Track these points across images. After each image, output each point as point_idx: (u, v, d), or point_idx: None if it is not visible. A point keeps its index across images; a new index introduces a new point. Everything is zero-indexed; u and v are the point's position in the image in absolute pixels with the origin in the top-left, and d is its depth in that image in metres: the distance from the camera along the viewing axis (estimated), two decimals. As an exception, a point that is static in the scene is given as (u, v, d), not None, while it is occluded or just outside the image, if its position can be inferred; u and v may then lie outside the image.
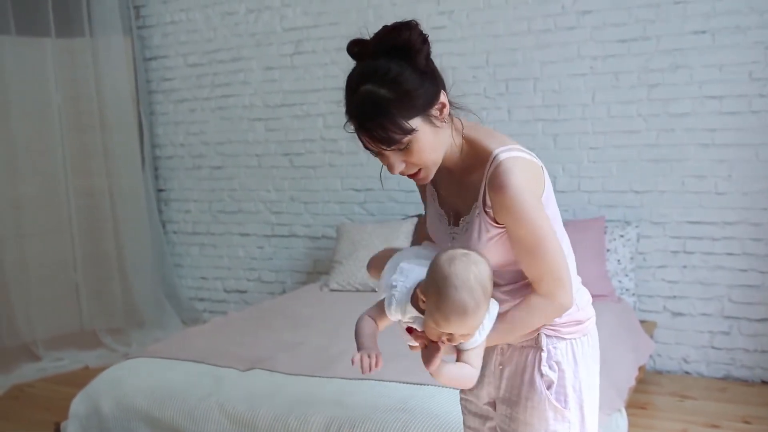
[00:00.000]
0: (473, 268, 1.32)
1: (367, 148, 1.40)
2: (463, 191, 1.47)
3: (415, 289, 1.39)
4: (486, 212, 1.41)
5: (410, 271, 1.43)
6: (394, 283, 1.42)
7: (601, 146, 3.86)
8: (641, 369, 3.39)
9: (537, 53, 3.93)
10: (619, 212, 3.85)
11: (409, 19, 1.37)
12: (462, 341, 1.37)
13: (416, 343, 1.41)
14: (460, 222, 1.48)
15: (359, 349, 1.42)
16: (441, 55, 4.07)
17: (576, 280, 1.58)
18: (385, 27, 1.36)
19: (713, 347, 3.75)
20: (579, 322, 1.55)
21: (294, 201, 4.75)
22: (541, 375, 1.50)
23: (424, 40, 1.36)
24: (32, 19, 4.60)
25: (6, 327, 4.47)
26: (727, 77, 3.56)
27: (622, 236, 3.72)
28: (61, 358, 4.45)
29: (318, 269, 4.70)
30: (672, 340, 3.82)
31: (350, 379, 2.49)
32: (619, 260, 3.70)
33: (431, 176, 1.44)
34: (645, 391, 3.56)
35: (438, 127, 1.39)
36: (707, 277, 3.71)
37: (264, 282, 4.93)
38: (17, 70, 4.55)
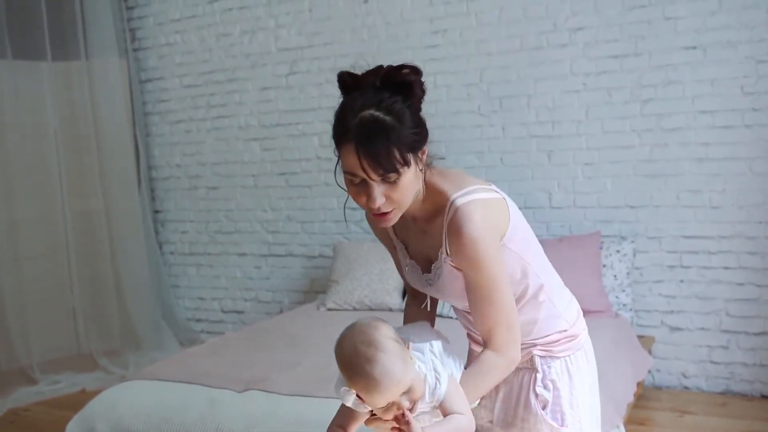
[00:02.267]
0: (348, 336, 1.30)
1: (349, 174, 1.34)
2: (429, 237, 1.46)
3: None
4: (450, 261, 1.42)
5: None
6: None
7: (595, 162, 3.87)
8: (640, 385, 3.38)
9: (530, 70, 3.95)
10: (614, 227, 3.86)
11: (411, 64, 1.36)
12: (413, 401, 1.31)
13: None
14: (432, 268, 1.48)
15: None
16: (435, 74, 4.10)
17: (565, 293, 1.59)
18: (390, 66, 1.35)
19: (712, 362, 3.73)
20: (571, 339, 1.55)
21: (290, 220, 4.75)
22: (536, 395, 1.50)
23: (423, 91, 1.37)
24: (28, 43, 4.62)
25: (2, 350, 4.45)
26: (719, 92, 3.58)
27: (618, 251, 3.72)
28: (58, 381, 4.43)
29: (315, 288, 4.69)
30: (670, 355, 3.81)
31: (347, 398, 2.47)
32: (615, 275, 3.69)
33: (396, 219, 1.41)
34: (644, 407, 3.54)
35: (419, 170, 1.38)
36: (704, 291, 3.71)
37: (261, 302, 4.92)
38: (14, 93, 4.56)
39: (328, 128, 4.80)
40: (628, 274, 3.72)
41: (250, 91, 4.76)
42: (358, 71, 1.36)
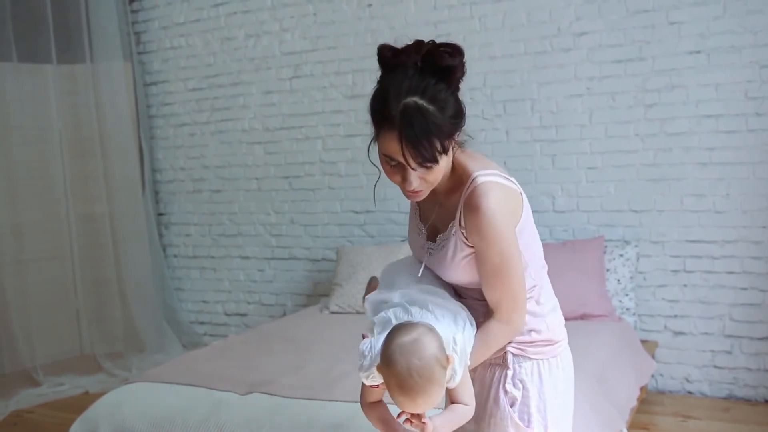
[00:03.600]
0: (414, 361, 1.32)
1: (387, 157, 1.39)
2: (443, 210, 1.51)
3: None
4: (461, 232, 1.46)
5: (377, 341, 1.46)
6: (365, 352, 1.45)
7: (599, 166, 3.87)
8: (643, 389, 3.38)
9: (534, 75, 3.95)
10: (618, 232, 3.86)
11: (452, 42, 1.38)
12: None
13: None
14: (437, 238, 1.53)
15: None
16: (439, 78, 4.09)
17: (552, 300, 1.62)
18: (434, 42, 1.37)
19: (715, 366, 3.73)
20: (547, 344, 1.57)
21: (294, 224, 4.75)
22: (505, 392, 1.54)
23: (464, 71, 1.39)
24: (33, 46, 4.64)
25: (6, 352, 4.45)
26: (723, 96, 3.58)
27: (621, 256, 3.72)
28: (61, 384, 4.43)
29: (318, 292, 4.69)
30: (674, 360, 3.80)
31: (351, 402, 2.47)
32: (618, 280, 3.69)
33: (427, 194, 1.47)
34: (647, 412, 3.54)
35: (452, 150, 1.45)
36: (708, 295, 3.71)
37: (264, 305, 4.92)
38: (18, 96, 4.58)
39: (332, 132, 4.81)
40: (631, 278, 3.72)
41: (254, 95, 4.77)
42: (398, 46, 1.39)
